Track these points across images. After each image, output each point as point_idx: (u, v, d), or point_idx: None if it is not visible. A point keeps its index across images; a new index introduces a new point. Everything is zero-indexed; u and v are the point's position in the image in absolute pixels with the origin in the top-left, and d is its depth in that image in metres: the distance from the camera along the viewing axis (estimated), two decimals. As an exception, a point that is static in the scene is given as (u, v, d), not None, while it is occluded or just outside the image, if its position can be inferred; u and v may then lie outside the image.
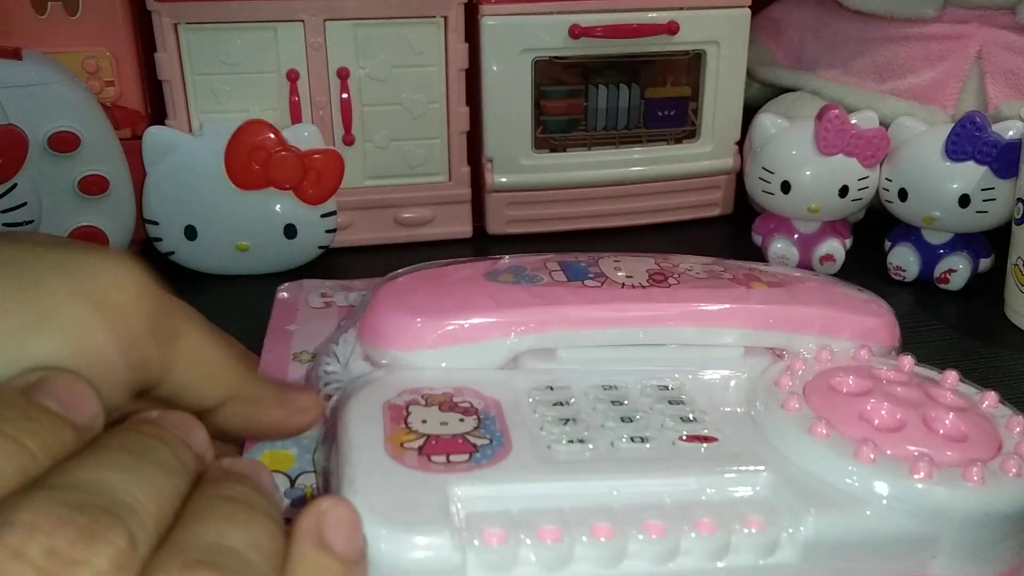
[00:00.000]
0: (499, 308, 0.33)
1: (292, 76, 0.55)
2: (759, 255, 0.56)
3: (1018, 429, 0.29)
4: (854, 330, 0.35)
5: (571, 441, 0.28)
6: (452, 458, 0.27)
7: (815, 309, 0.35)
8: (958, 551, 0.26)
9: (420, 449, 0.27)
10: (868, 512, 0.26)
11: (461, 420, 0.29)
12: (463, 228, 0.61)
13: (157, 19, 0.52)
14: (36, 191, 0.48)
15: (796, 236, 0.55)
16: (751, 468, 0.27)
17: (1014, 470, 0.27)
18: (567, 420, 0.29)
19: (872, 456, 0.27)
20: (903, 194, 0.51)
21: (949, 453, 0.28)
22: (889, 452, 0.27)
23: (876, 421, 0.29)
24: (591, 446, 0.28)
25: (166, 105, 0.54)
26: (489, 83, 0.58)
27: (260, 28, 0.54)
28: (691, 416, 0.30)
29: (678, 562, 0.24)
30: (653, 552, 0.24)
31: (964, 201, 0.50)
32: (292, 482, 0.31)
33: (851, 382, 0.31)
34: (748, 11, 0.60)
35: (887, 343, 0.36)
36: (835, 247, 0.54)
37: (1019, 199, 0.47)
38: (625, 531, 0.24)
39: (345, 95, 0.56)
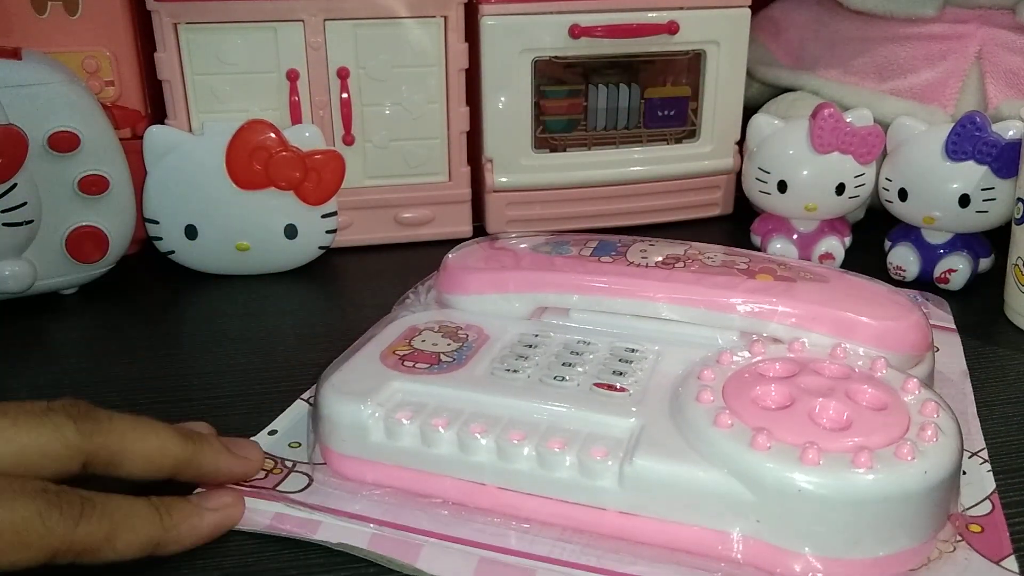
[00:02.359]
0: (517, 269, 0.40)
1: (292, 76, 0.55)
2: (759, 255, 0.56)
3: (931, 414, 0.30)
4: (836, 327, 0.35)
5: (509, 371, 0.35)
6: (418, 365, 0.35)
7: (803, 305, 0.36)
8: (837, 533, 0.28)
9: (403, 357, 0.36)
10: (694, 468, 0.29)
11: (449, 344, 0.37)
12: (463, 228, 0.61)
13: (157, 19, 0.52)
14: (36, 191, 0.48)
15: (795, 236, 0.55)
16: (625, 414, 0.32)
17: (909, 456, 0.28)
18: (522, 357, 0.36)
19: (730, 423, 0.29)
20: (903, 194, 0.51)
21: (841, 440, 0.29)
22: (741, 420, 0.30)
23: (769, 404, 0.31)
24: (522, 376, 0.34)
25: (166, 105, 0.54)
26: (489, 83, 0.58)
27: (260, 28, 0.54)
28: (623, 372, 0.34)
29: (519, 463, 0.31)
30: (503, 451, 0.31)
31: (964, 201, 0.50)
32: None
33: (765, 373, 0.33)
34: (748, 11, 0.60)
35: (901, 349, 0.35)
36: (834, 245, 0.54)
37: (1019, 199, 0.47)
38: (494, 432, 0.31)
39: (345, 95, 0.56)
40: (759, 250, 0.57)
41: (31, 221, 0.48)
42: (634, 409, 0.32)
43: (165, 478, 0.30)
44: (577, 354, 0.36)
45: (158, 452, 0.30)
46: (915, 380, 0.32)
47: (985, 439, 0.37)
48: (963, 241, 0.52)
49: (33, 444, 0.27)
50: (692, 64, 0.62)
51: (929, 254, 0.52)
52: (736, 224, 0.63)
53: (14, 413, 0.28)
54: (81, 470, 0.28)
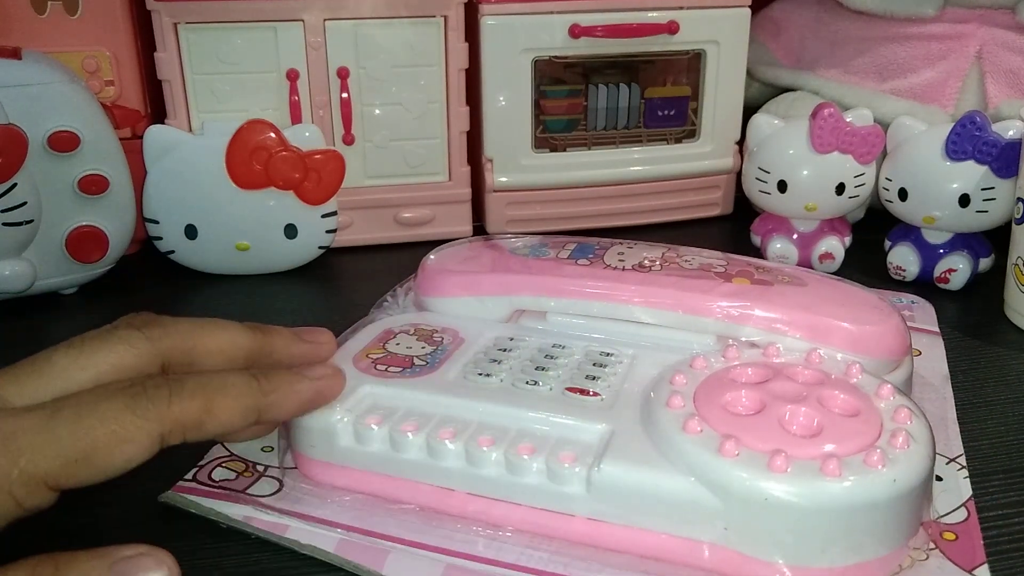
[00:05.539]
0: (492, 272, 0.40)
1: (292, 76, 0.55)
2: (758, 256, 0.56)
3: (903, 420, 0.30)
4: (812, 331, 0.35)
5: (481, 375, 0.34)
6: (390, 369, 0.35)
7: (779, 309, 0.35)
8: (807, 538, 0.27)
9: (376, 360, 0.35)
10: (662, 474, 0.28)
11: (423, 347, 0.37)
12: (463, 228, 0.61)
13: (157, 19, 0.52)
14: (36, 191, 0.48)
15: (795, 236, 0.55)
16: (596, 419, 0.31)
17: (878, 463, 0.28)
18: (495, 361, 0.35)
19: (699, 429, 0.29)
20: (903, 194, 0.51)
21: (808, 448, 0.28)
22: (711, 425, 0.29)
23: (740, 411, 0.30)
24: (495, 380, 0.34)
25: (166, 105, 0.54)
26: (489, 83, 0.58)
27: (260, 28, 0.54)
28: (596, 376, 0.34)
29: (487, 469, 0.30)
30: (471, 456, 0.30)
31: (964, 201, 0.50)
32: None
33: (737, 379, 0.32)
34: (748, 11, 0.60)
35: (878, 353, 0.35)
36: (834, 245, 0.54)
37: (1019, 199, 0.47)
38: (463, 437, 0.31)
39: (345, 95, 0.56)
40: (759, 250, 0.57)
41: (31, 221, 0.48)
42: (605, 414, 0.32)
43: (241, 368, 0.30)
44: (551, 358, 0.36)
45: (229, 344, 0.30)
46: (889, 386, 0.32)
47: (983, 440, 0.37)
48: (963, 241, 0.52)
49: (106, 363, 0.27)
50: (692, 64, 0.62)
51: (929, 254, 0.52)
52: (736, 224, 0.63)
53: (79, 342, 0.28)
54: (161, 374, 0.28)
